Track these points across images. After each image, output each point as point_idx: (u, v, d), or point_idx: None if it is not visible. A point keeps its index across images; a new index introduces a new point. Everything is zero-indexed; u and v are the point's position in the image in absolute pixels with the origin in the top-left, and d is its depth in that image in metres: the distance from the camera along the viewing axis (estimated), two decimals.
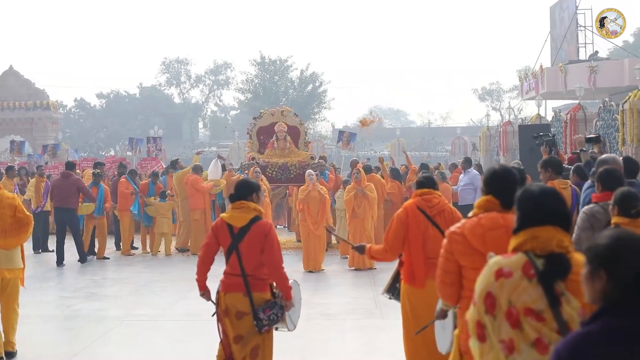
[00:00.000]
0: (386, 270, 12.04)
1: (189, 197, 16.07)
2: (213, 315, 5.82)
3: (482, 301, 3.01)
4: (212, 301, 5.80)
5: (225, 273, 5.72)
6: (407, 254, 6.10)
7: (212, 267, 5.87)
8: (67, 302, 11.06)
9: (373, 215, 13.86)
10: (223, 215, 5.77)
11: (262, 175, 15.54)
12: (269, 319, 5.53)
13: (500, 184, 4.20)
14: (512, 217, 3.79)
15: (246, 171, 16.06)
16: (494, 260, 3.10)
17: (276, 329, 5.75)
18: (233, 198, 5.72)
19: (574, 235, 5.79)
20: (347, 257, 14.06)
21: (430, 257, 5.87)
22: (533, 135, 12.46)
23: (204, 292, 5.86)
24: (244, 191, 5.71)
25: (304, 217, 13.64)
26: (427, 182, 6.26)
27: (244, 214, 5.64)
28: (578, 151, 9.46)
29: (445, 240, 4.24)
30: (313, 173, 14.05)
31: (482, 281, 3.07)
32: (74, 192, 14.85)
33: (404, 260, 6.15)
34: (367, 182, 14.14)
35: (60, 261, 14.69)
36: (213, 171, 16.89)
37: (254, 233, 5.57)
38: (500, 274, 3.02)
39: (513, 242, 3.14)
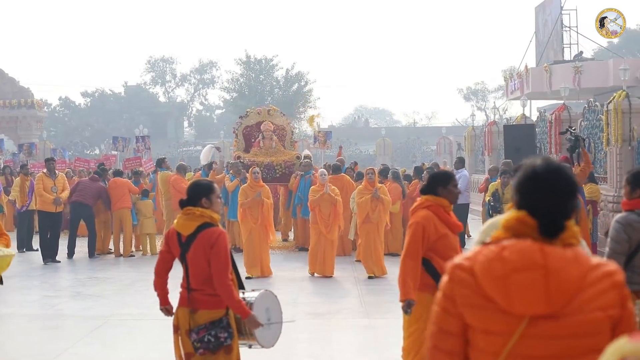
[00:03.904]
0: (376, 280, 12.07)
1: (172, 197, 16.05)
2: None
3: None
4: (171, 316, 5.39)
5: (180, 285, 5.24)
6: None
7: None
8: (51, 301, 11.01)
9: (387, 220, 13.19)
10: (174, 222, 5.26)
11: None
12: (201, 342, 4.95)
13: (542, 193, 2.44)
14: (560, 253, 2.36)
15: (232, 170, 15.98)
16: (620, 342, 1.87)
17: (249, 346, 5.30)
18: (182, 203, 5.20)
19: (607, 248, 5.28)
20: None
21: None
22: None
23: (165, 307, 5.43)
24: (192, 195, 5.17)
25: (315, 218, 13.02)
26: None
27: (191, 221, 5.11)
28: None
29: (444, 279, 2.53)
30: (325, 172, 13.41)
31: None
32: (95, 193, 15.83)
33: None
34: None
35: (71, 254, 15.59)
36: (205, 154, 17.12)
37: (199, 242, 5.03)
38: None
39: None
